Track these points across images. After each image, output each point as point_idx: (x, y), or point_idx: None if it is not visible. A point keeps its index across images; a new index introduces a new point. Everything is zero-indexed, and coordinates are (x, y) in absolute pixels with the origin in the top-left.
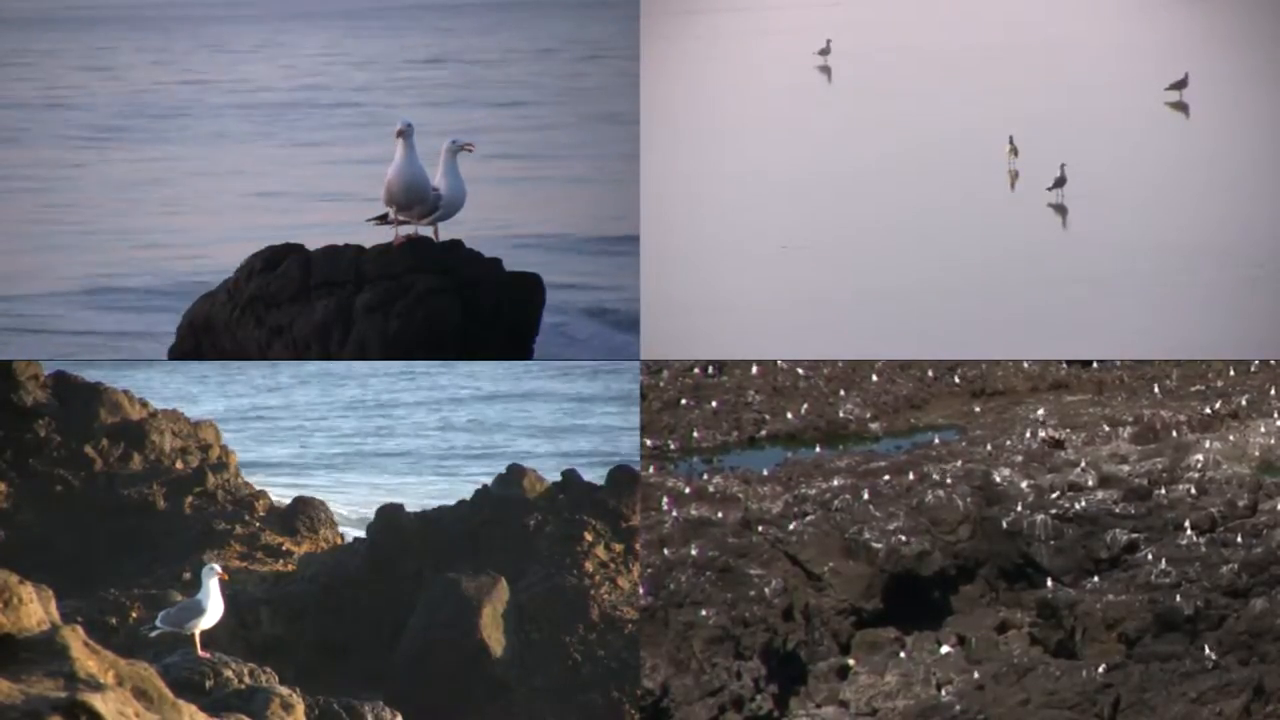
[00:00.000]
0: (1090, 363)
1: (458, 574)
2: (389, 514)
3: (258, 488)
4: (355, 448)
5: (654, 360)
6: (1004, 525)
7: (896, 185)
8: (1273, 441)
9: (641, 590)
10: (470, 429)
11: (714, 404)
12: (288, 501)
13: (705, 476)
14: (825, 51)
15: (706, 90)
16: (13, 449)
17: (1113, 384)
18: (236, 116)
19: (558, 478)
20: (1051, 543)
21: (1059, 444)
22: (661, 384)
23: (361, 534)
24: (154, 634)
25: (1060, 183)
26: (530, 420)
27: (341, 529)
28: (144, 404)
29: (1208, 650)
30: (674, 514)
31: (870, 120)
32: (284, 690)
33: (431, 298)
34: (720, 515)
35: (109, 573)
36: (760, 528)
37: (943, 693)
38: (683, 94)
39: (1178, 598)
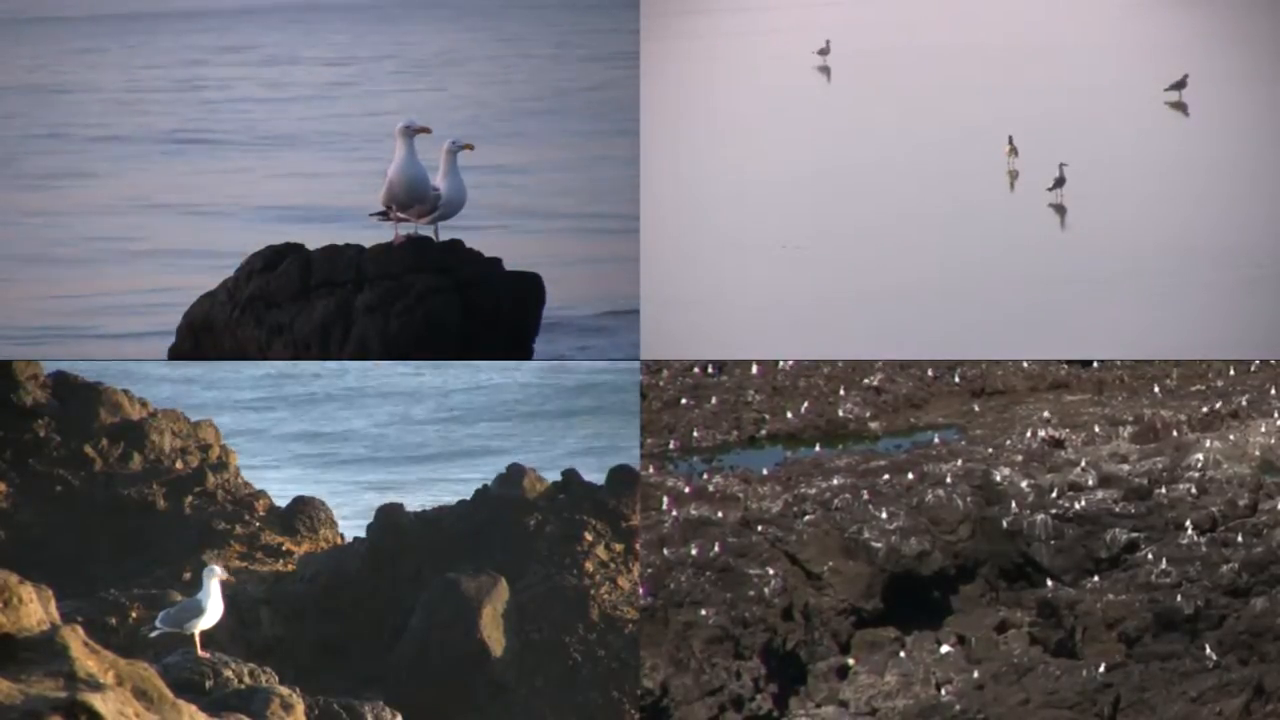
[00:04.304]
0: (1090, 363)
1: (458, 574)
2: (389, 514)
3: (258, 487)
4: (354, 446)
5: (654, 360)
6: (1004, 525)
7: (896, 185)
8: (1273, 441)
9: (641, 590)
10: (470, 429)
11: (714, 403)
12: (287, 501)
13: (705, 476)
14: (825, 51)
15: (706, 90)
16: (13, 449)
17: (1113, 384)
18: (232, 115)
19: (558, 478)
20: (1051, 542)
21: (1059, 444)
22: (661, 384)
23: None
24: (154, 634)
25: (1060, 183)
26: (530, 420)
27: (342, 527)
28: (144, 404)
29: (1208, 650)
30: (674, 514)
31: (870, 120)
32: (284, 690)
33: (431, 298)
34: (720, 515)
35: (109, 573)
36: (760, 527)
37: (943, 692)
38: (683, 94)
39: (1178, 597)
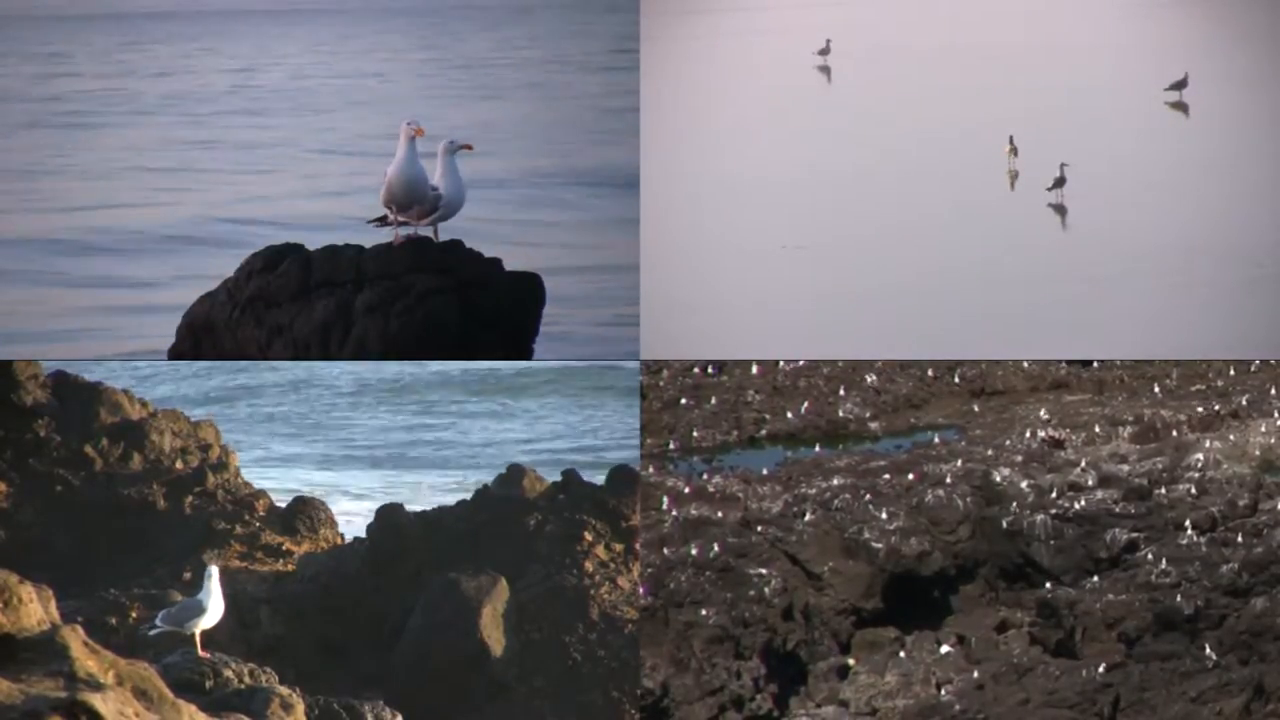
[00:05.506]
0: (1090, 363)
1: (458, 574)
2: (389, 514)
3: (258, 487)
4: (354, 446)
5: (654, 360)
6: (1004, 525)
7: (896, 185)
8: (1273, 441)
9: (641, 590)
10: (470, 429)
11: (714, 403)
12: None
13: (705, 476)
14: (825, 51)
15: (706, 90)
16: (13, 449)
17: (1113, 384)
18: (233, 112)
19: (558, 478)
20: (1051, 542)
21: (1059, 444)
22: (661, 384)
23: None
24: (154, 633)
25: (1060, 183)
26: (530, 420)
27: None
28: (144, 404)
29: (1208, 650)
30: (674, 514)
31: (870, 120)
32: (284, 690)
33: (431, 298)
34: (720, 515)
35: (109, 573)
36: (760, 527)
37: (943, 692)
38: (683, 94)
39: (1178, 597)
